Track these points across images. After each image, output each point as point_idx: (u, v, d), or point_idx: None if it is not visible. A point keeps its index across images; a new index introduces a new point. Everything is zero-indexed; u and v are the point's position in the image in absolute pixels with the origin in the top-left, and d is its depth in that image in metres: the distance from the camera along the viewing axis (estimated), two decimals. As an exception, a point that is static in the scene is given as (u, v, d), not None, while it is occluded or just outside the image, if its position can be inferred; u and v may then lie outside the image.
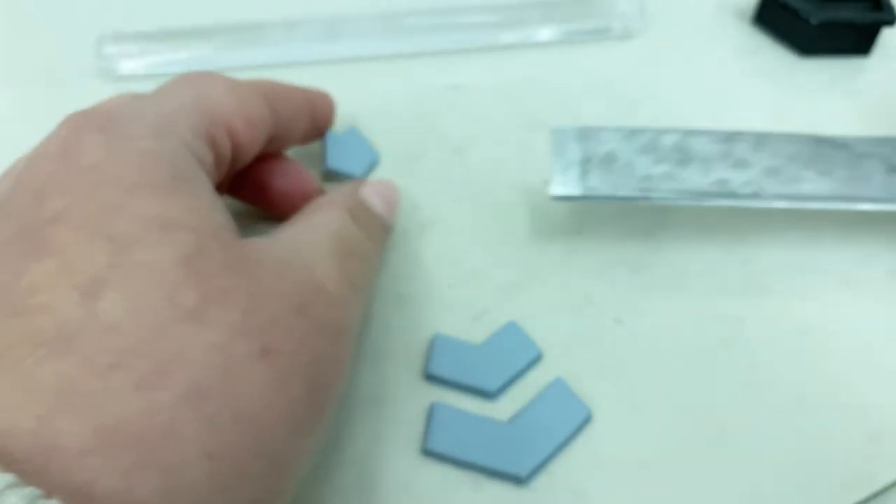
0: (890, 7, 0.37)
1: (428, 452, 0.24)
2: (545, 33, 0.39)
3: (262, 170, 0.28)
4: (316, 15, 0.38)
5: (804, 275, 0.29)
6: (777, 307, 0.28)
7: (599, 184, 0.27)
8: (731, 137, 0.28)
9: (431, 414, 0.24)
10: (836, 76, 0.37)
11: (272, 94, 0.26)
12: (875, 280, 0.29)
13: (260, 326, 0.18)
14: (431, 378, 0.26)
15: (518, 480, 0.23)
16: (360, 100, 0.36)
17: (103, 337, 0.16)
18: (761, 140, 0.28)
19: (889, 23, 0.37)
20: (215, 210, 0.20)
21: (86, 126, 0.21)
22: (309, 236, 0.23)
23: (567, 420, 0.24)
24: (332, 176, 0.32)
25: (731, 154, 0.27)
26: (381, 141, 0.34)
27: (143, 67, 0.37)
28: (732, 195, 0.26)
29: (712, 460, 0.24)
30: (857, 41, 0.38)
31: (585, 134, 0.28)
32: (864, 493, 0.23)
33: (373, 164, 0.33)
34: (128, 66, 0.37)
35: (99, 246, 0.17)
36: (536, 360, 0.26)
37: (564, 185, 0.27)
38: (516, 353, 0.26)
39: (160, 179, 0.19)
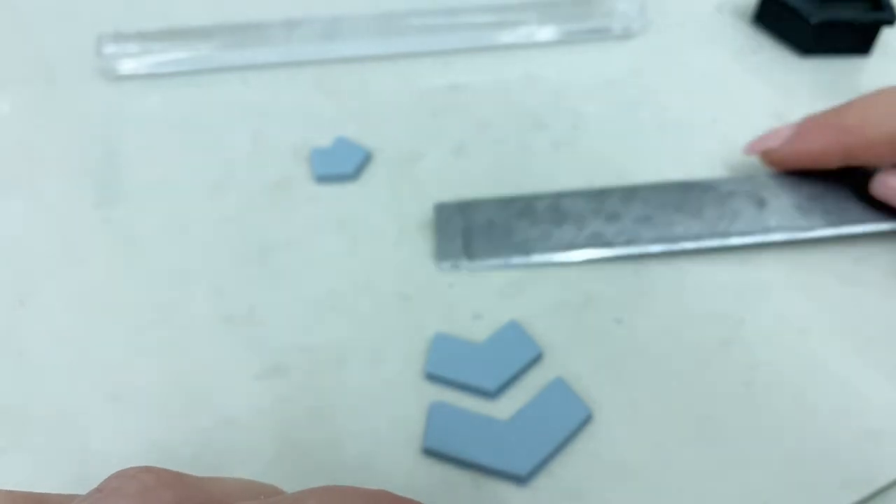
0: (890, 7, 0.37)
1: (428, 451, 0.24)
2: (545, 33, 0.39)
3: None
4: (316, 15, 0.38)
5: (804, 275, 0.29)
6: (777, 307, 0.28)
7: (480, 250, 0.29)
8: (601, 194, 0.29)
9: (431, 413, 0.24)
10: (836, 76, 0.37)
11: None
12: (875, 280, 0.29)
13: None
14: (431, 377, 0.26)
15: (518, 480, 0.23)
16: (360, 100, 0.36)
17: None
18: (630, 193, 0.29)
19: (889, 23, 0.37)
20: None
21: None
22: None
23: (567, 420, 0.24)
24: (326, 181, 0.32)
25: (603, 209, 0.29)
26: (380, 141, 0.34)
27: (143, 67, 0.37)
28: (608, 244, 0.28)
29: (712, 460, 0.24)
30: (857, 41, 0.38)
31: (465, 206, 0.30)
32: (864, 493, 0.23)
33: (365, 162, 0.33)
34: (128, 65, 0.37)
35: None
36: (537, 358, 0.26)
37: (446, 254, 0.29)
38: (517, 352, 0.26)
39: None
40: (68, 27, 0.40)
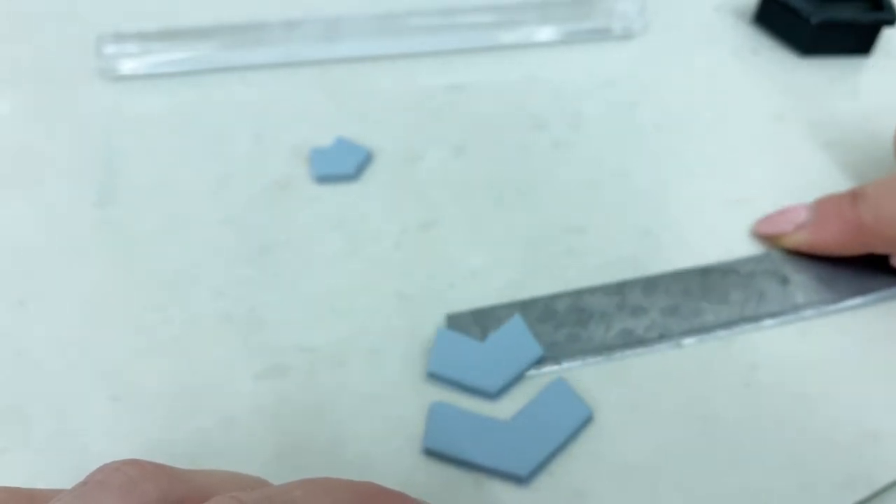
0: (890, 7, 0.37)
1: (428, 451, 0.24)
2: (545, 33, 0.39)
3: None
4: (316, 15, 0.38)
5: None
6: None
7: None
8: (621, 287, 0.28)
9: (431, 413, 0.24)
10: (836, 76, 0.37)
11: None
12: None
13: None
14: (433, 376, 0.25)
15: (519, 480, 0.23)
16: (360, 100, 0.36)
17: None
18: (651, 284, 0.28)
19: (889, 23, 0.37)
20: None
21: None
22: None
23: (567, 420, 0.24)
24: (326, 180, 0.32)
25: (626, 304, 0.27)
26: (380, 141, 0.34)
27: (143, 67, 0.37)
28: (641, 342, 0.26)
29: (712, 460, 0.24)
30: (857, 41, 0.38)
31: (480, 316, 0.27)
32: (864, 493, 0.23)
33: (365, 162, 0.33)
34: (128, 66, 0.37)
35: None
36: (539, 359, 0.26)
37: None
38: (519, 352, 0.26)
39: None
40: (68, 27, 0.40)
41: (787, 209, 0.29)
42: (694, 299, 0.28)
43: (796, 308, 0.27)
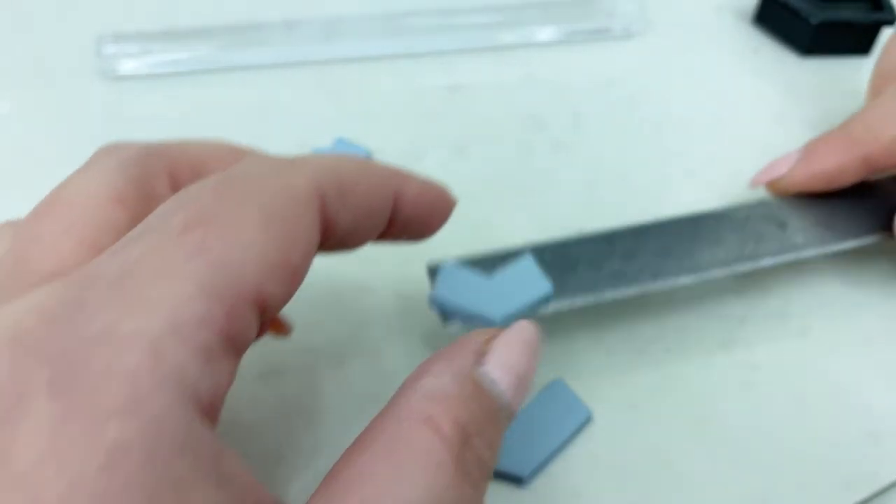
0: (890, 7, 0.37)
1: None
2: (545, 33, 0.39)
3: None
4: (316, 15, 0.38)
5: (804, 274, 0.29)
6: (777, 307, 0.28)
7: None
8: (609, 237, 0.27)
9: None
10: (836, 76, 0.37)
11: (337, 181, 0.18)
12: (875, 280, 0.29)
13: None
14: (434, 305, 0.24)
15: (518, 480, 0.23)
16: (360, 100, 0.36)
17: None
18: (640, 232, 0.27)
19: (889, 23, 0.37)
20: None
21: (34, 373, 0.13)
22: None
23: (567, 420, 0.24)
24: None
25: (615, 250, 0.26)
26: (380, 141, 0.34)
27: (143, 67, 0.37)
28: (633, 282, 0.25)
29: (712, 460, 0.24)
30: (857, 41, 0.38)
31: (477, 260, 0.26)
32: (864, 493, 0.23)
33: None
34: (128, 66, 0.37)
35: None
36: (548, 296, 0.24)
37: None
38: (527, 287, 0.24)
39: None
40: (68, 27, 0.40)
41: (777, 158, 0.29)
42: (687, 243, 0.27)
43: (796, 248, 0.27)
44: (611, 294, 0.25)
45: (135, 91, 0.37)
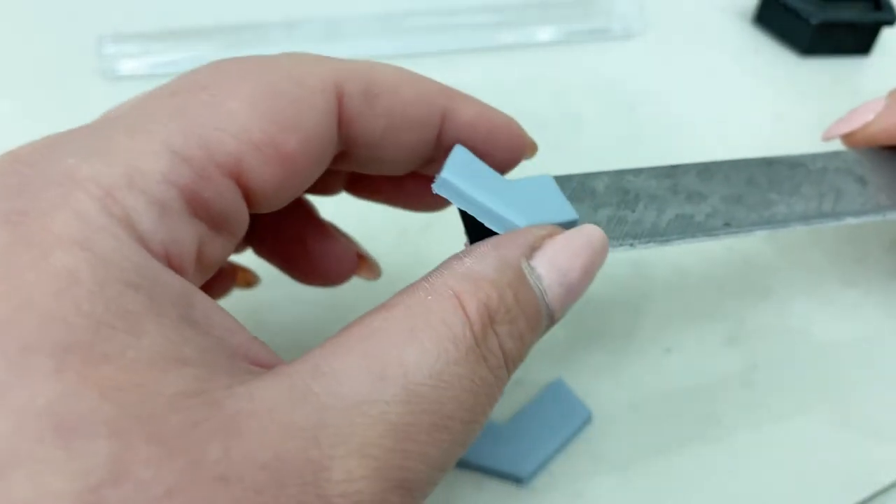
0: (890, 7, 0.37)
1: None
2: (545, 33, 0.39)
3: (291, 226, 0.21)
4: (316, 15, 0.38)
5: (804, 274, 0.29)
6: (777, 307, 0.28)
7: None
8: (672, 170, 0.23)
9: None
10: (836, 76, 0.37)
11: (365, 82, 0.17)
12: (875, 279, 0.29)
13: None
14: (442, 187, 0.17)
15: (518, 480, 0.23)
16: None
17: None
18: (707, 169, 0.23)
19: (889, 23, 0.37)
20: (170, 363, 0.12)
21: None
22: (368, 388, 0.14)
23: (567, 420, 0.24)
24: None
25: (679, 188, 0.23)
26: (381, 141, 0.34)
27: (143, 67, 0.37)
28: (703, 230, 0.22)
29: (712, 460, 0.24)
30: (857, 41, 0.38)
31: None
32: (864, 494, 0.23)
33: None
34: (128, 66, 0.37)
35: None
36: (571, 223, 0.19)
37: None
38: (548, 206, 0.20)
39: (74, 338, 0.12)
40: (68, 27, 0.40)
41: (861, 106, 0.26)
42: (760, 190, 0.23)
43: (881, 208, 0.24)
44: (678, 241, 0.21)
45: (135, 91, 0.36)
